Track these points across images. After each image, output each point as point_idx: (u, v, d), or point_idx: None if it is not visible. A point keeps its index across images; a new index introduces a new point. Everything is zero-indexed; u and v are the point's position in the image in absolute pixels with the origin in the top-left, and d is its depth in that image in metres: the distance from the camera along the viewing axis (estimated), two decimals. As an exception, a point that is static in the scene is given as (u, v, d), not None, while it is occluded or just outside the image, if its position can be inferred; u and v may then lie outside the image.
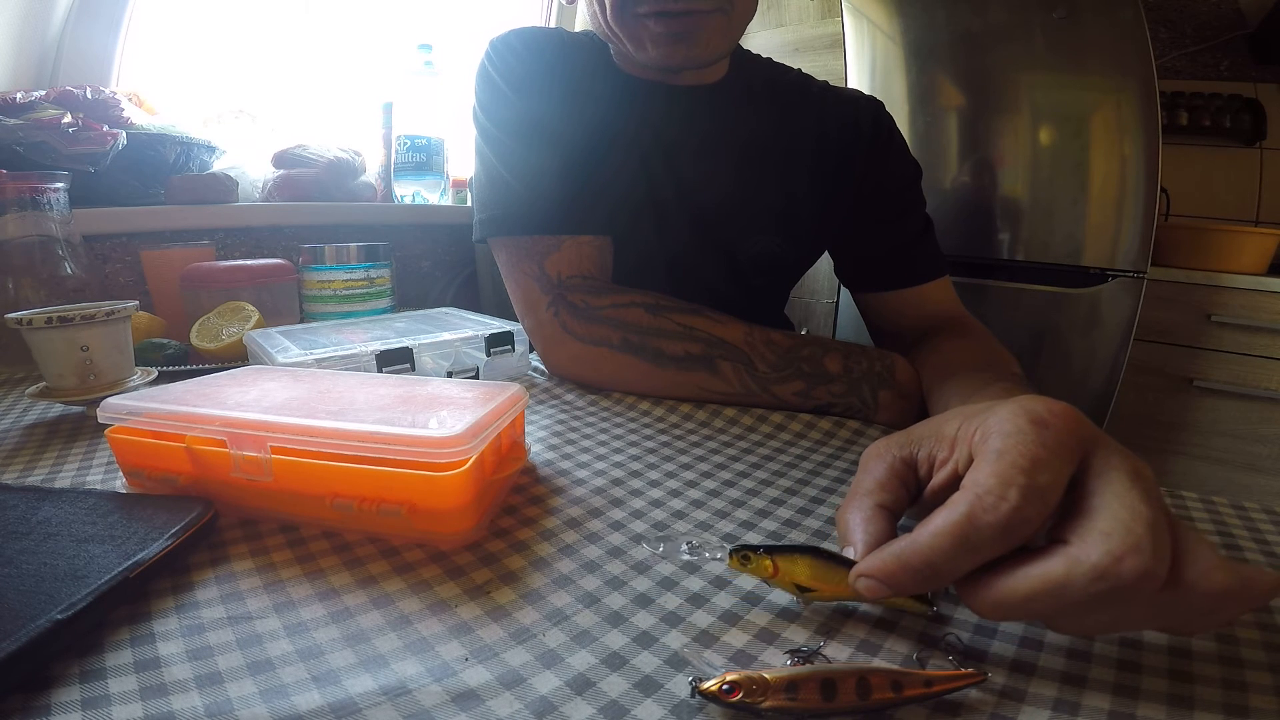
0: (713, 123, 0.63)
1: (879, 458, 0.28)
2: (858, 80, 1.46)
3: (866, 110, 0.67)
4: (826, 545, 0.31)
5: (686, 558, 0.27)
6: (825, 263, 0.76)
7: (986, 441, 0.23)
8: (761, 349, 0.51)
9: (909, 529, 0.23)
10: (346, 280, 0.76)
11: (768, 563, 0.25)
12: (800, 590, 0.25)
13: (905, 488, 0.27)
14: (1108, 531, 0.20)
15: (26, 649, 0.20)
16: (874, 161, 0.65)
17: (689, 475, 0.39)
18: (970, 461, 0.24)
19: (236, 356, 0.59)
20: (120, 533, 0.27)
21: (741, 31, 0.58)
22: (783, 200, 0.64)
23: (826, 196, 0.65)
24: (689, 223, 0.64)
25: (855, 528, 0.26)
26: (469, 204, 0.62)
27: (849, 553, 0.25)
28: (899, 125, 0.68)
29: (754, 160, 0.63)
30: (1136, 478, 0.21)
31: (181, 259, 0.75)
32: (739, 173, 0.63)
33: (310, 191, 1.03)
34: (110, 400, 0.33)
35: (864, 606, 0.26)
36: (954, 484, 0.25)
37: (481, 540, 0.31)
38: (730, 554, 0.25)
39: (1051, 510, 0.21)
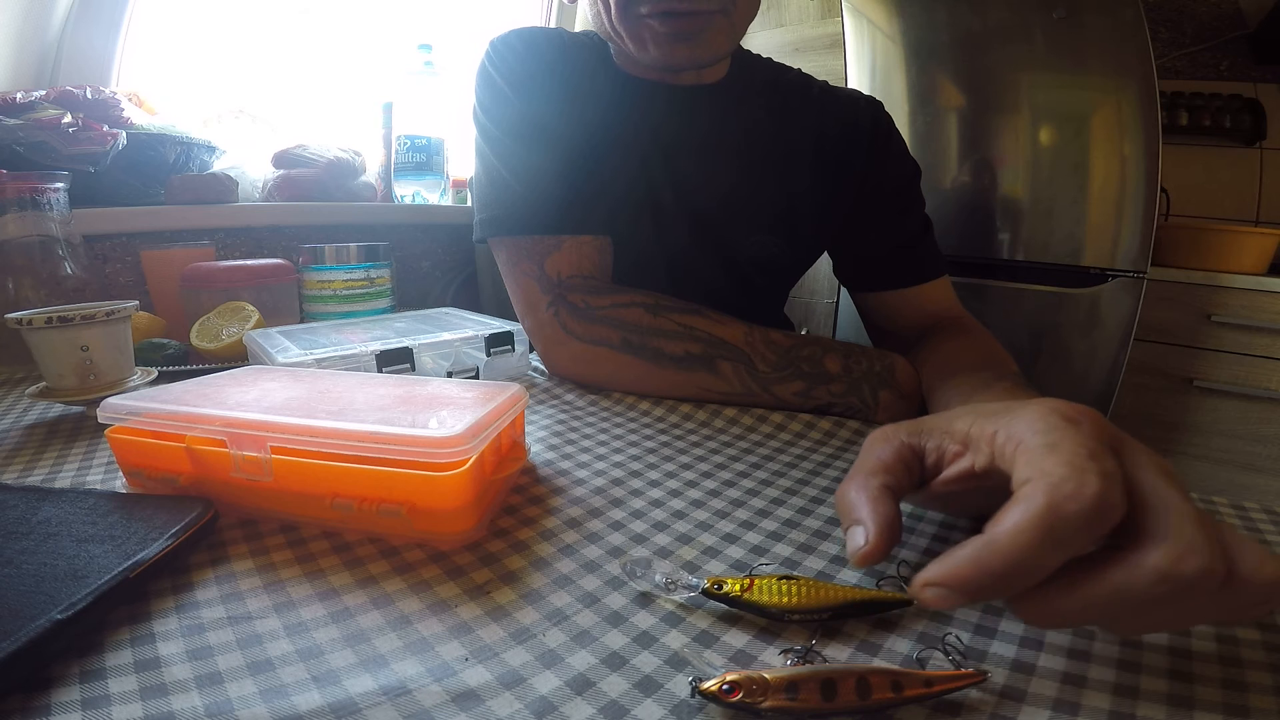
0: (713, 123, 0.63)
1: (885, 441, 0.28)
2: (858, 80, 1.46)
3: (866, 110, 0.67)
4: (826, 545, 0.31)
5: (663, 592, 0.27)
6: (825, 263, 0.75)
7: (1025, 440, 0.22)
8: (761, 349, 0.51)
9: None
10: (346, 280, 0.76)
11: (744, 580, 0.25)
12: (778, 610, 0.25)
13: (909, 473, 0.27)
14: (1161, 533, 0.19)
15: (26, 649, 0.20)
16: (873, 161, 0.65)
17: (689, 475, 0.39)
18: (991, 462, 0.24)
19: (236, 356, 0.59)
20: (120, 533, 0.27)
21: (744, 31, 0.58)
22: (783, 200, 0.64)
23: (826, 196, 0.65)
24: (689, 223, 0.64)
25: (861, 505, 0.25)
26: (469, 204, 0.62)
27: (857, 532, 0.25)
28: (899, 125, 0.68)
29: (754, 160, 0.63)
30: (1169, 476, 0.21)
31: (181, 259, 0.75)
32: (739, 173, 0.63)
33: (310, 191, 1.03)
34: (110, 400, 0.33)
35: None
36: (969, 479, 0.25)
37: (481, 540, 0.31)
38: (703, 591, 0.26)
39: (1126, 500, 0.20)
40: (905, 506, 0.35)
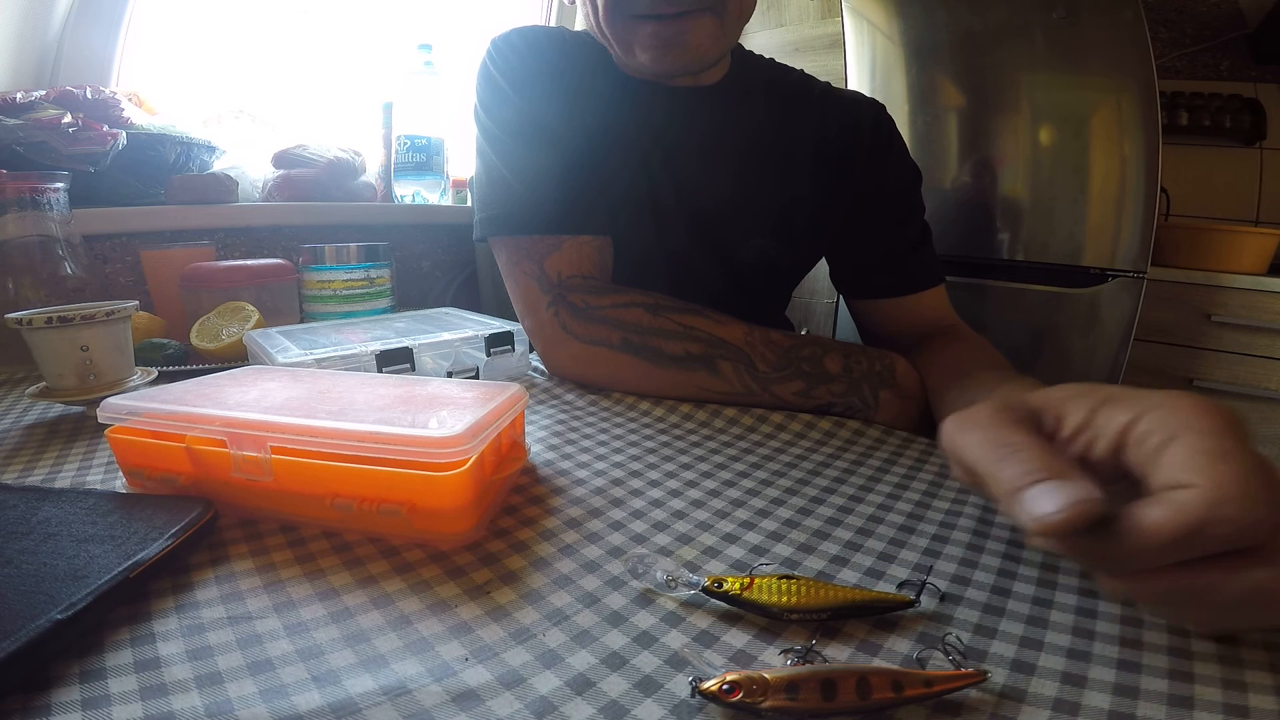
0: (712, 123, 0.63)
1: (1012, 409, 0.25)
2: (858, 80, 1.46)
3: (867, 112, 0.67)
4: (826, 545, 0.31)
5: (664, 590, 0.27)
6: (825, 264, 0.75)
7: (1186, 439, 0.21)
8: (761, 349, 0.51)
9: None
10: (346, 280, 0.76)
11: (744, 579, 0.25)
12: (778, 610, 0.24)
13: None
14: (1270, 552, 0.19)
15: (26, 649, 0.20)
16: (874, 164, 0.65)
17: (689, 475, 0.39)
18: (1113, 451, 0.23)
19: (236, 356, 0.59)
20: (120, 533, 0.27)
21: (736, 34, 0.58)
22: (782, 202, 0.64)
23: (826, 198, 0.65)
24: (689, 223, 0.64)
25: (1046, 458, 0.22)
26: (469, 204, 0.62)
27: (1063, 487, 0.21)
28: (899, 126, 0.68)
29: (753, 162, 0.63)
30: None
31: (181, 259, 0.75)
32: (738, 174, 0.63)
33: (310, 191, 1.03)
34: (110, 400, 0.33)
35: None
36: (1109, 456, 0.23)
37: (481, 540, 0.31)
38: (703, 589, 0.26)
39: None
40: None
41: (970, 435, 0.25)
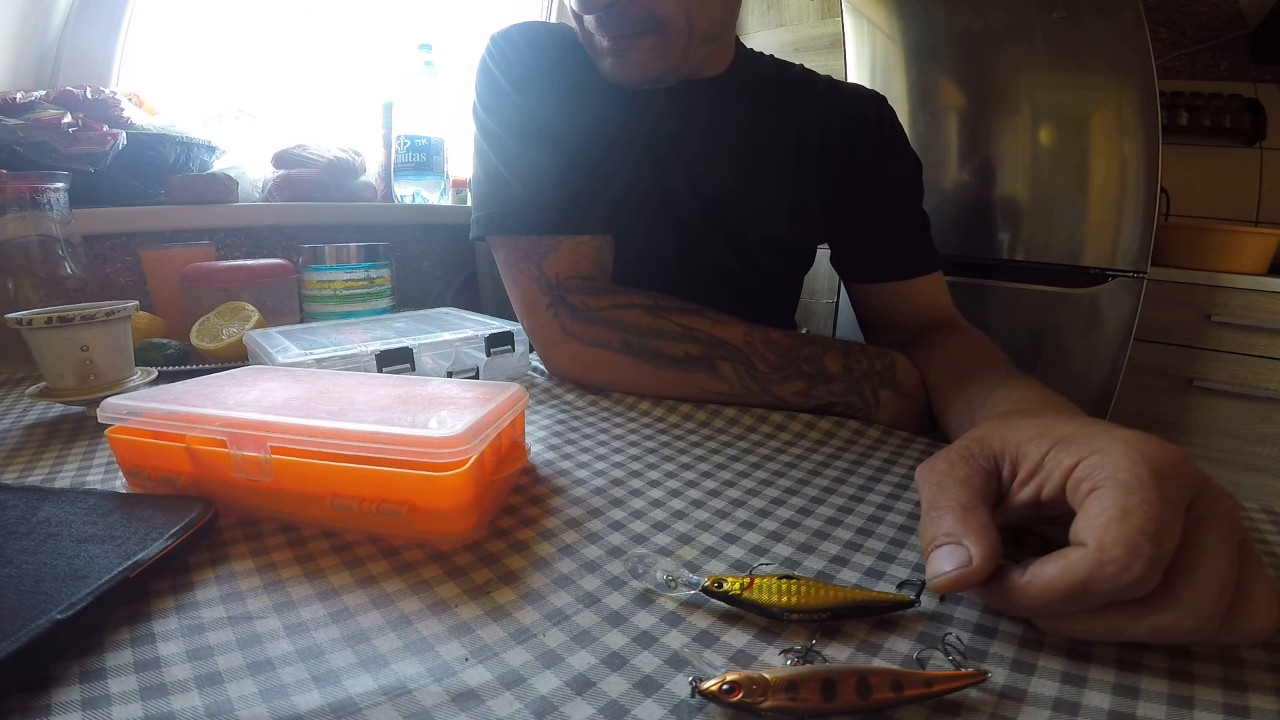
0: (714, 115, 0.63)
1: (967, 461, 0.27)
2: (857, 80, 1.46)
3: (870, 104, 0.67)
4: (826, 545, 0.31)
5: (663, 589, 0.27)
6: (824, 264, 0.75)
7: (1104, 491, 0.22)
8: (761, 349, 0.51)
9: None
10: (346, 280, 0.76)
11: (744, 579, 0.25)
12: (778, 610, 0.24)
13: (993, 494, 0.27)
14: (1171, 596, 0.21)
15: (26, 649, 0.20)
16: (876, 155, 0.65)
17: (689, 475, 0.39)
18: (1058, 493, 0.24)
19: (236, 356, 0.59)
20: (120, 533, 0.27)
21: (687, 49, 0.56)
22: (786, 193, 0.64)
23: (828, 188, 0.65)
24: (695, 212, 0.64)
25: (970, 529, 0.24)
26: (469, 204, 0.62)
27: (956, 551, 0.24)
28: (899, 125, 0.68)
29: (758, 153, 0.63)
30: (1230, 533, 0.22)
31: (181, 259, 0.75)
32: (743, 167, 0.63)
33: (310, 191, 1.03)
34: (110, 400, 0.33)
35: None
36: (1032, 506, 0.26)
37: (481, 540, 0.31)
38: (703, 589, 0.26)
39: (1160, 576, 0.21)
40: (899, 518, 0.35)
41: (922, 490, 0.28)
